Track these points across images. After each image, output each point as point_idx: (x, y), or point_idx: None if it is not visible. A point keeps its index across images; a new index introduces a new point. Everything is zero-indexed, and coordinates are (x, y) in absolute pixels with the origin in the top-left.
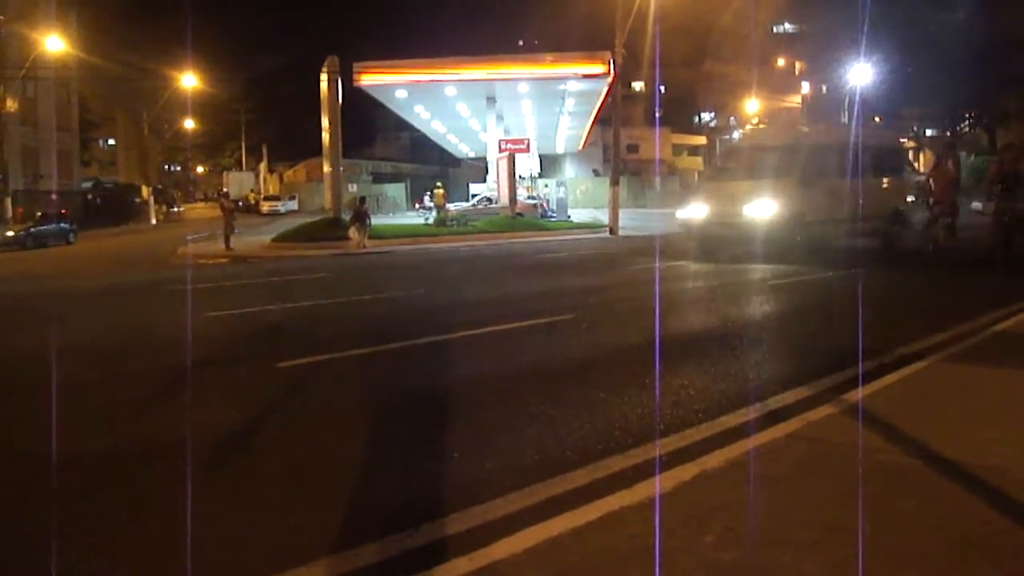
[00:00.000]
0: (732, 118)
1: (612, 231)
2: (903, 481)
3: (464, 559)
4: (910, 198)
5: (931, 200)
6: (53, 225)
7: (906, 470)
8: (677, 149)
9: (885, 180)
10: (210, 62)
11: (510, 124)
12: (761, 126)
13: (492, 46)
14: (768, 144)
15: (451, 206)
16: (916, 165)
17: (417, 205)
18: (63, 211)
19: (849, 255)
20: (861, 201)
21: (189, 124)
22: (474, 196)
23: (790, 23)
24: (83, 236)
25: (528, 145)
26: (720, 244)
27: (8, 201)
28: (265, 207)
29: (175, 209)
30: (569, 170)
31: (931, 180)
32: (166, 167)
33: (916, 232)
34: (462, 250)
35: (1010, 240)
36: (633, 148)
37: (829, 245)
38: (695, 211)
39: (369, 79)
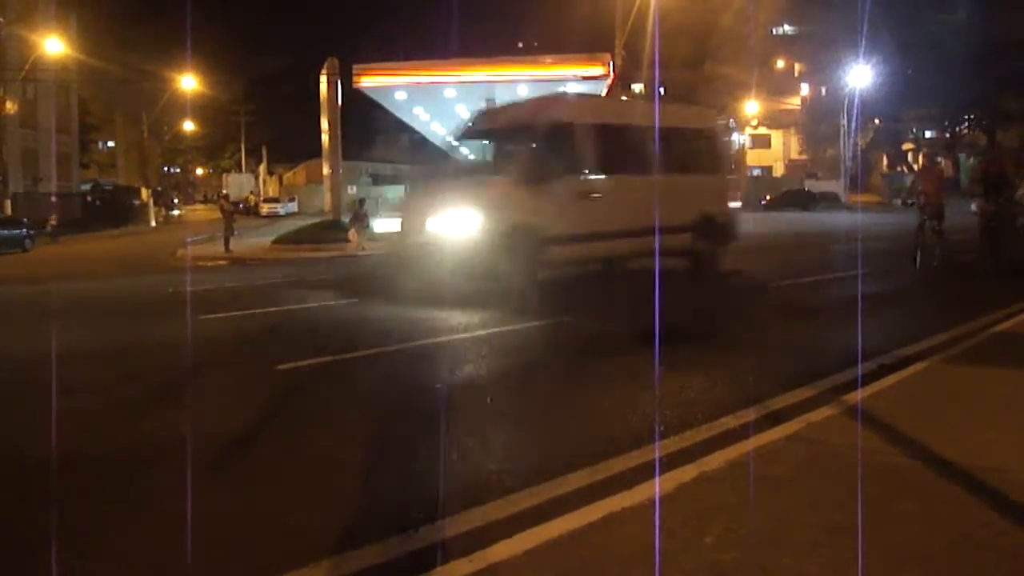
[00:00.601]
0: (732, 120)
1: None
2: (903, 482)
3: (464, 560)
4: (735, 204)
5: (920, 201)
6: (6, 231)
7: (906, 471)
8: None
9: (685, 176)
10: (209, 64)
11: None
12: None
13: (492, 48)
14: (487, 126)
15: None
16: (915, 166)
17: None
18: (24, 218)
19: (601, 288)
20: (641, 207)
21: (189, 126)
22: None
23: (789, 24)
24: (71, 240)
25: None
26: (400, 272)
27: (8, 203)
28: (264, 209)
29: (174, 212)
30: None
31: (920, 181)
32: (166, 169)
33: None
34: None
35: (997, 243)
36: None
37: (583, 272)
38: (391, 224)
39: (369, 81)
